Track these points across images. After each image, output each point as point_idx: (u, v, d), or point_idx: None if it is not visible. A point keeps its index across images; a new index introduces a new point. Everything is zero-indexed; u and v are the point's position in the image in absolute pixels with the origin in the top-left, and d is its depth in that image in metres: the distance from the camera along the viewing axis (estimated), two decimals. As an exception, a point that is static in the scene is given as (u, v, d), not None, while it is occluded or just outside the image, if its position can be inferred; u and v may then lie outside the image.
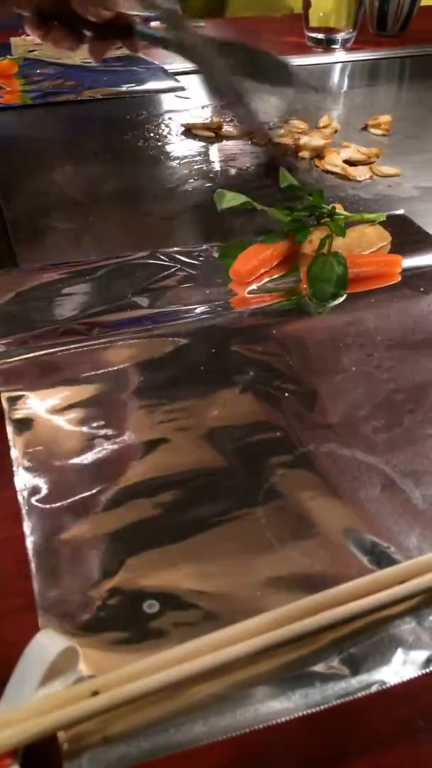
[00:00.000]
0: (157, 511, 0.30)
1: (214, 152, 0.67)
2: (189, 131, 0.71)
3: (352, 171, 0.62)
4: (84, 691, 0.21)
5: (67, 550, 0.28)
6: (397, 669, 0.24)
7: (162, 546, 0.29)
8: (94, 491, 0.31)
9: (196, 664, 0.22)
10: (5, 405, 0.35)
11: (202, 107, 0.79)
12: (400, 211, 0.54)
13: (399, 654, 0.24)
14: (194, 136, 0.70)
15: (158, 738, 0.22)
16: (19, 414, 0.35)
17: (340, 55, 1.00)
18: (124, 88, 0.84)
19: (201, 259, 0.48)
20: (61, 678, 0.22)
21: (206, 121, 0.71)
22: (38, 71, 0.89)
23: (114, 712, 0.22)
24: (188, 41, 0.65)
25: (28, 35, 0.94)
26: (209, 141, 0.69)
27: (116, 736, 0.22)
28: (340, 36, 1.00)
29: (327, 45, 1.01)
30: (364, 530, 0.29)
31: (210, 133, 0.71)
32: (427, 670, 0.24)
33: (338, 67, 0.97)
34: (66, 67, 0.89)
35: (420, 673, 0.24)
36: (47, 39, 0.64)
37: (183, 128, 0.72)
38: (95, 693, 0.21)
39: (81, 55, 0.94)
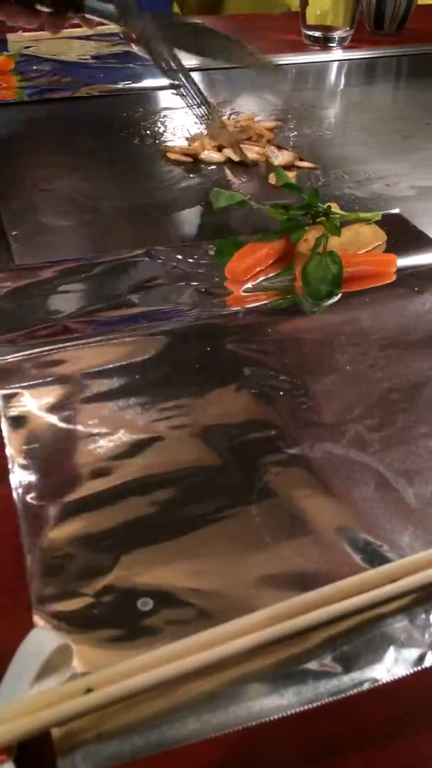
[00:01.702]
0: (151, 509, 0.30)
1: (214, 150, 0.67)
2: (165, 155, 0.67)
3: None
4: (78, 688, 0.22)
5: (61, 547, 0.28)
6: (390, 667, 0.24)
7: (156, 544, 0.29)
8: (88, 489, 0.31)
9: (190, 661, 0.22)
10: (0, 402, 0.35)
11: (198, 105, 0.79)
12: (396, 210, 0.54)
13: (391, 652, 0.24)
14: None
15: (152, 735, 0.22)
16: (14, 411, 0.35)
17: (337, 54, 1.00)
18: (120, 85, 0.84)
19: (196, 257, 0.48)
20: (55, 675, 0.23)
21: (184, 147, 0.67)
22: (34, 68, 0.89)
23: (108, 709, 0.22)
24: (138, 21, 0.67)
25: (24, 31, 0.94)
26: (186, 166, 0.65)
27: (110, 732, 0.22)
28: (337, 34, 1.00)
29: (324, 43, 1.01)
30: (357, 529, 0.29)
31: (187, 159, 0.65)
32: (419, 668, 0.24)
33: (335, 65, 0.97)
34: (62, 63, 0.89)
35: (412, 671, 0.24)
36: (2, 14, 0.65)
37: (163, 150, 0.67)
38: (89, 690, 0.21)
39: (77, 52, 0.94)
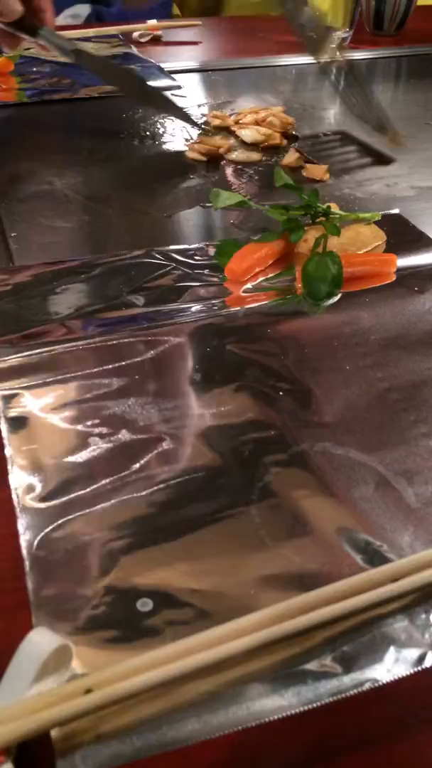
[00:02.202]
0: (151, 510, 0.30)
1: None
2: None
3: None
4: (77, 688, 0.21)
5: (61, 548, 0.28)
6: (390, 667, 0.24)
7: (156, 544, 0.29)
8: (88, 490, 0.31)
9: (189, 661, 0.22)
10: (0, 403, 0.35)
11: (198, 105, 0.79)
12: (396, 211, 0.54)
13: (391, 652, 0.24)
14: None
15: (151, 736, 0.22)
16: (13, 412, 0.35)
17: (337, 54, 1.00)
18: (120, 86, 0.83)
19: (196, 257, 0.48)
20: (54, 676, 0.23)
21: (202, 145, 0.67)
22: (34, 69, 0.89)
23: (107, 710, 0.22)
24: (90, 61, 0.68)
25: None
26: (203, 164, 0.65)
27: (109, 733, 0.22)
28: (336, 35, 1.00)
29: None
30: (357, 529, 0.29)
31: (201, 157, 0.65)
32: (419, 668, 0.24)
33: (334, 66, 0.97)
34: (62, 65, 0.89)
35: (412, 671, 0.24)
36: None
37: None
38: (88, 691, 0.21)
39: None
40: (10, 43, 0.69)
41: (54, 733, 0.22)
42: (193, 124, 0.71)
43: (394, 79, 0.96)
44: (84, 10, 1.23)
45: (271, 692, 0.23)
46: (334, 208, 0.50)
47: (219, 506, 0.30)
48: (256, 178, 0.62)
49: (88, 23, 1.19)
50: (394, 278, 0.46)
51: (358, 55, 1.00)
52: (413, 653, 0.24)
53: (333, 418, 0.35)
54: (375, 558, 0.28)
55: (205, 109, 0.78)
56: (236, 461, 0.33)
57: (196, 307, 0.43)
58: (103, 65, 0.72)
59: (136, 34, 1.02)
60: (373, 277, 0.46)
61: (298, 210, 0.49)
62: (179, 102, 0.79)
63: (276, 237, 0.48)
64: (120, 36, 1.00)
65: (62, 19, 1.16)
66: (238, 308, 0.43)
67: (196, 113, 0.76)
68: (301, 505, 0.30)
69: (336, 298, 0.44)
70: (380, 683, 0.23)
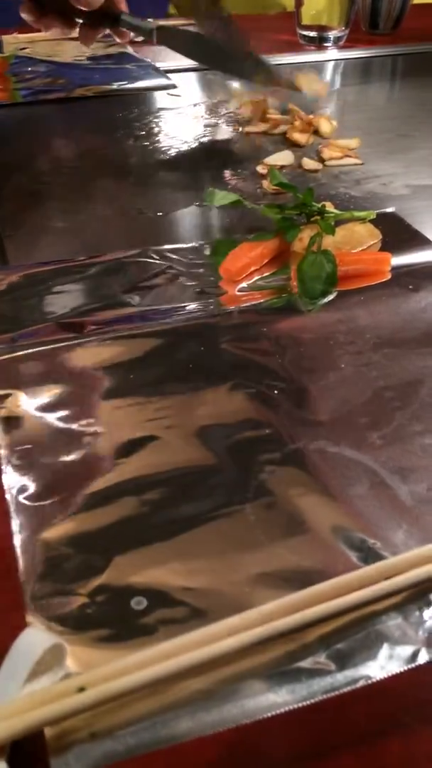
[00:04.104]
0: (145, 509, 0.30)
1: (210, 150, 0.67)
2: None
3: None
4: (70, 687, 0.21)
5: (55, 547, 0.28)
6: (383, 664, 0.24)
7: (150, 543, 0.29)
8: (82, 489, 0.31)
9: (183, 660, 0.22)
10: (-6, 403, 0.35)
11: (194, 105, 0.79)
12: (391, 209, 0.54)
13: (385, 649, 0.24)
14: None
15: (145, 734, 0.22)
16: (7, 412, 0.35)
17: (332, 53, 1.00)
18: (115, 86, 0.84)
19: (191, 257, 0.48)
20: (47, 675, 0.22)
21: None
22: (29, 69, 0.89)
23: (101, 708, 0.22)
24: (170, 35, 0.70)
25: (19, 33, 0.95)
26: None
27: (103, 732, 0.22)
28: (332, 34, 1.00)
29: (319, 43, 1.01)
30: (352, 527, 0.29)
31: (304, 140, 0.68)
32: (413, 665, 0.24)
33: (331, 64, 0.98)
34: (57, 65, 0.89)
35: (405, 668, 0.24)
36: (40, 23, 0.67)
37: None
38: (82, 689, 0.21)
39: (72, 53, 0.94)
40: (88, 36, 0.70)
41: (47, 731, 0.22)
42: (298, 91, 0.70)
43: (390, 77, 0.96)
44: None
45: (265, 690, 0.23)
46: (329, 206, 0.50)
47: (214, 505, 0.30)
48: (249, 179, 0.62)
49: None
50: (389, 277, 0.46)
51: (355, 53, 1.00)
52: (407, 650, 0.24)
53: (328, 416, 0.35)
54: (369, 556, 0.28)
55: (201, 109, 0.78)
56: (231, 460, 0.33)
57: (191, 306, 0.43)
58: (186, 39, 0.72)
59: (131, 34, 1.02)
60: (368, 276, 0.46)
61: (293, 209, 0.49)
62: (174, 101, 0.79)
63: (271, 236, 0.48)
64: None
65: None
66: (233, 307, 0.43)
67: (194, 113, 0.76)
68: (296, 504, 0.30)
69: (331, 297, 0.44)
70: (374, 680, 0.23)
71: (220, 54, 0.69)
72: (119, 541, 0.29)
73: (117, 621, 0.25)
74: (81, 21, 0.68)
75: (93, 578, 0.27)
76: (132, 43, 0.99)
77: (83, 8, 0.64)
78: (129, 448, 0.33)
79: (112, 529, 0.29)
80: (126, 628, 0.25)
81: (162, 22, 0.71)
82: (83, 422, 0.34)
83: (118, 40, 0.73)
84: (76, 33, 0.72)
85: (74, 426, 0.34)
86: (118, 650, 0.24)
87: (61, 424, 0.34)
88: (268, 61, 0.71)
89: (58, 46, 0.96)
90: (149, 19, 0.72)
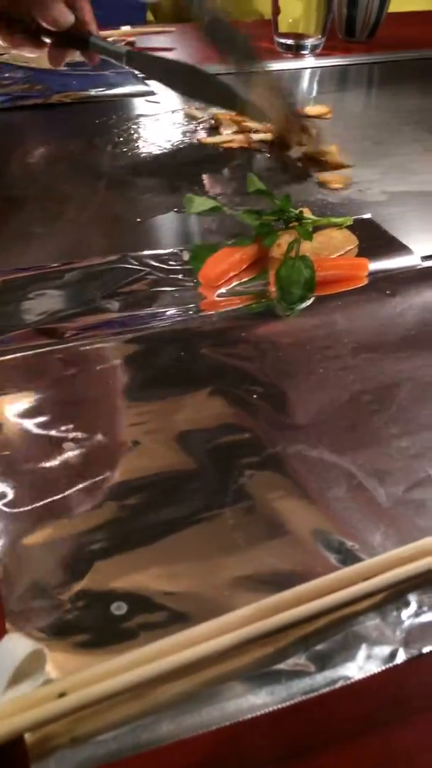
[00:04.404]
0: (125, 514, 0.30)
1: (188, 156, 0.68)
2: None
3: None
4: (51, 692, 0.22)
5: (35, 553, 0.28)
6: (362, 664, 0.24)
7: (131, 548, 0.29)
8: (62, 495, 0.31)
9: (163, 663, 0.22)
10: (-27, 409, 0.35)
11: (173, 111, 0.79)
12: (367, 215, 0.55)
13: (363, 650, 0.25)
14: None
15: (126, 738, 0.22)
16: (-13, 418, 0.35)
17: (309, 61, 1.01)
18: (93, 92, 0.84)
19: (170, 262, 0.48)
20: (28, 681, 0.22)
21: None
22: (7, 75, 0.88)
23: (81, 713, 0.22)
24: (141, 60, 0.70)
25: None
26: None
27: (84, 736, 0.22)
28: (309, 42, 1.01)
29: (296, 51, 1.02)
30: (331, 529, 0.29)
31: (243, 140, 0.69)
32: (391, 665, 0.24)
33: (308, 72, 0.99)
34: (35, 71, 0.89)
35: (383, 668, 0.24)
36: (9, 41, 0.67)
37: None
38: (62, 694, 0.21)
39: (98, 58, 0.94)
40: (56, 57, 0.69)
41: (28, 737, 0.22)
42: (264, 117, 0.70)
43: (366, 85, 0.97)
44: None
45: (245, 692, 0.24)
46: (307, 212, 0.51)
47: (194, 509, 0.31)
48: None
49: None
50: (366, 282, 0.47)
51: (331, 61, 1.01)
52: (384, 650, 0.25)
53: (306, 420, 0.35)
54: (348, 558, 0.28)
55: (179, 115, 0.78)
56: (211, 464, 0.33)
57: (170, 312, 0.43)
58: (155, 63, 0.72)
59: (109, 40, 1.02)
60: (346, 281, 0.47)
61: (271, 215, 0.49)
62: (152, 108, 0.79)
63: (250, 242, 0.48)
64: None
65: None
66: (212, 312, 0.44)
67: (172, 119, 0.77)
68: (275, 507, 0.31)
69: (309, 302, 0.45)
70: (352, 680, 0.24)
71: (192, 80, 0.70)
72: (100, 547, 0.29)
73: (97, 626, 0.25)
74: (48, 41, 0.67)
75: (73, 584, 0.27)
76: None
77: (51, 28, 0.64)
78: (109, 453, 0.33)
79: (92, 535, 0.29)
80: (106, 633, 0.25)
81: (132, 47, 0.71)
82: (63, 428, 0.34)
83: (87, 62, 0.73)
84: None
85: (54, 432, 0.34)
86: (98, 655, 0.24)
87: (40, 431, 0.34)
88: (243, 92, 0.71)
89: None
90: (122, 45, 0.72)
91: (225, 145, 0.70)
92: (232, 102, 0.69)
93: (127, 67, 0.71)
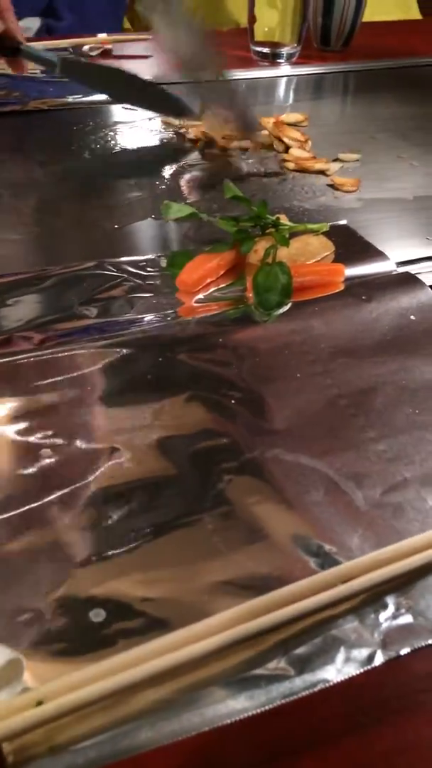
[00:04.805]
0: (104, 521, 0.30)
1: (166, 163, 0.68)
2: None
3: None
4: (28, 701, 0.21)
5: (13, 561, 0.28)
6: (340, 667, 0.24)
7: (110, 555, 0.29)
8: (41, 502, 0.31)
9: (142, 669, 0.22)
10: None
11: (150, 119, 0.79)
12: (343, 222, 0.55)
13: (342, 652, 0.25)
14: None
15: (105, 746, 0.22)
16: (-37, 426, 0.34)
17: (285, 69, 1.02)
18: (70, 99, 0.83)
19: (148, 269, 0.48)
20: (5, 689, 0.22)
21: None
22: (-17, 82, 0.88)
23: (60, 722, 0.22)
24: (78, 68, 0.70)
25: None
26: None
27: (63, 745, 0.22)
28: (285, 50, 1.02)
29: (272, 59, 1.03)
30: (308, 533, 0.30)
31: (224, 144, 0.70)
32: (369, 667, 0.24)
33: (283, 81, 0.99)
34: (11, 77, 0.89)
35: (362, 670, 0.24)
36: None
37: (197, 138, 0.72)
38: (40, 703, 0.21)
39: (27, 67, 0.94)
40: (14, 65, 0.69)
41: (6, 746, 0.21)
42: (191, 114, 0.71)
43: (341, 93, 0.98)
44: (34, 23, 1.22)
45: (225, 697, 0.24)
46: (283, 219, 0.51)
47: (173, 515, 0.30)
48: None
49: (38, 36, 1.19)
50: (342, 287, 0.47)
51: (307, 70, 1.02)
52: (363, 653, 0.25)
53: (284, 424, 0.36)
54: (326, 561, 0.28)
55: (156, 122, 0.78)
56: (189, 470, 0.33)
57: (148, 318, 0.43)
58: (89, 70, 0.72)
59: (86, 48, 1.02)
60: (322, 287, 0.47)
61: (248, 221, 0.49)
62: (129, 114, 0.79)
63: (227, 248, 0.48)
64: (70, 49, 1.00)
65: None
66: (189, 318, 0.44)
67: (150, 126, 0.77)
68: (253, 512, 0.31)
69: (286, 308, 0.45)
70: (331, 683, 0.24)
71: (127, 87, 0.71)
72: (78, 554, 0.28)
73: (75, 634, 0.25)
74: None
75: (51, 592, 0.27)
76: (87, 57, 1.00)
77: None
78: (88, 460, 0.33)
79: (71, 542, 0.29)
80: (85, 641, 0.25)
81: (64, 56, 0.71)
82: (41, 435, 0.34)
83: (11, 71, 0.73)
84: None
85: (32, 438, 0.34)
86: (76, 663, 0.24)
87: (18, 437, 0.34)
88: (178, 95, 0.72)
89: (12, 58, 0.96)
90: (51, 52, 0.72)
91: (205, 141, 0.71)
92: (175, 108, 0.70)
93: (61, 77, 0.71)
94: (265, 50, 1.02)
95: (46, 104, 0.82)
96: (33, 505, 0.31)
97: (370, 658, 0.25)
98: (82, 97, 0.84)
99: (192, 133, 0.73)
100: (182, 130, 0.74)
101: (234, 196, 0.51)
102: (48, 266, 0.48)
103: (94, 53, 1.02)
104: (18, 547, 0.29)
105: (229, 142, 0.71)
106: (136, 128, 0.77)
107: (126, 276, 0.47)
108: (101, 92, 0.75)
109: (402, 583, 0.27)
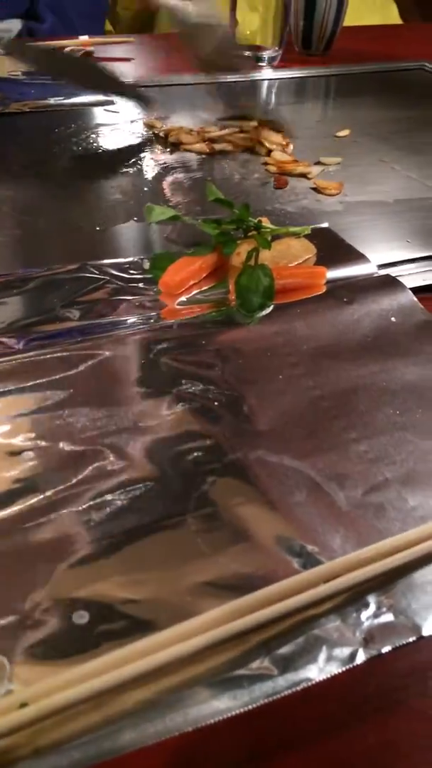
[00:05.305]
0: (88, 523, 0.30)
1: (148, 165, 0.68)
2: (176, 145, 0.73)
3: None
4: (12, 703, 0.21)
5: (-4, 564, 0.28)
6: (322, 666, 0.25)
7: (93, 557, 0.29)
8: (22, 505, 0.31)
9: (125, 671, 0.23)
10: None
11: (132, 121, 0.79)
12: (325, 225, 0.56)
13: (324, 651, 0.25)
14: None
15: (90, 747, 0.22)
16: None
17: (267, 73, 1.02)
18: (52, 101, 0.83)
19: (131, 271, 0.48)
20: (-11, 693, 0.22)
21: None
22: (-36, 83, 0.88)
23: (44, 723, 0.22)
24: (23, 48, 0.71)
25: None
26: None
27: (47, 747, 0.22)
28: (266, 54, 1.03)
29: (254, 62, 1.03)
30: (291, 533, 0.30)
31: (204, 148, 0.71)
32: (351, 665, 0.25)
33: (265, 84, 1.00)
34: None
35: (344, 669, 0.24)
36: None
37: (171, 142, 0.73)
38: (23, 705, 0.21)
39: (8, 68, 0.94)
40: None
41: (-11, 750, 0.21)
42: (146, 102, 0.72)
43: (323, 97, 0.99)
44: (15, 25, 1.22)
45: (208, 697, 0.24)
46: (265, 222, 0.51)
47: (156, 517, 0.31)
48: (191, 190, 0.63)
49: (19, 38, 1.18)
50: (324, 290, 0.48)
51: (289, 73, 1.02)
52: (345, 651, 0.25)
53: (267, 426, 0.36)
54: (309, 561, 0.29)
55: (138, 125, 0.78)
56: (173, 472, 0.33)
57: (131, 320, 0.43)
58: (37, 54, 0.73)
59: (67, 50, 1.02)
60: (304, 289, 0.47)
61: (230, 224, 0.50)
62: (111, 117, 0.80)
63: (209, 250, 0.49)
64: (53, 47, 1.00)
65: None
66: (172, 320, 0.44)
67: (132, 129, 0.77)
68: (236, 513, 0.31)
69: (268, 310, 0.45)
70: (313, 682, 0.24)
71: (72, 68, 0.73)
72: (61, 556, 0.28)
73: (59, 636, 0.25)
74: None
75: (33, 594, 0.27)
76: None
77: None
78: (70, 462, 0.33)
79: (53, 544, 0.29)
80: (69, 643, 0.25)
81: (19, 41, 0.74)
82: (23, 437, 0.34)
83: None
84: None
85: (15, 441, 0.34)
86: (60, 665, 0.24)
87: (1, 440, 0.34)
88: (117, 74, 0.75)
89: (-7, 60, 0.96)
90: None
91: (185, 147, 0.71)
92: (119, 88, 0.74)
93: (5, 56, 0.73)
94: (247, 53, 1.03)
95: (27, 106, 0.81)
96: (14, 508, 0.30)
97: (352, 656, 0.25)
98: (64, 99, 0.84)
99: (173, 136, 0.73)
100: (161, 133, 0.74)
101: (216, 199, 0.51)
102: (30, 268, 0.48)
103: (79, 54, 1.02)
104: (0, 550, 0.29)
105: (212, 145, 0.71)
106: (117, 130, 0.77)
107: (108, 278, 0.47)
108: (47, 72, 0.77)
109: (383, 582, 0.27)
